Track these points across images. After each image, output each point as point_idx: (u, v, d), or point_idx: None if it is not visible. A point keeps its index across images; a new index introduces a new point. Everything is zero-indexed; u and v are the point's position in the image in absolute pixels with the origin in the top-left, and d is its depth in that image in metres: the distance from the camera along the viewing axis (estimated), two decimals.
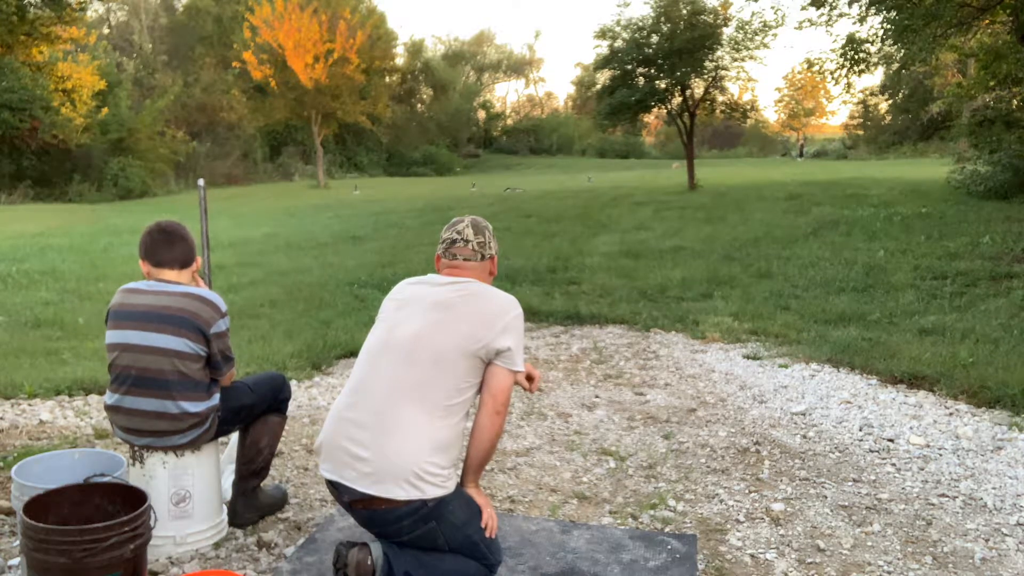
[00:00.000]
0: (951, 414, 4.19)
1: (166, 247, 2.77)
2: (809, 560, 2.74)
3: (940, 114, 32.09)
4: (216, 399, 2.77)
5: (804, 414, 4.26)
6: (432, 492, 2.26)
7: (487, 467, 3.52)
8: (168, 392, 2.64)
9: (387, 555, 2.29)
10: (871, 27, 19.70)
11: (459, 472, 2.43)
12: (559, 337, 6.11)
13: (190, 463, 2.74)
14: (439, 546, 2.33)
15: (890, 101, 45.48)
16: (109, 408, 2.74)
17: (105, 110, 29.31)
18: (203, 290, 2.77)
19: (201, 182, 3.35)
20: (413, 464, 2.25)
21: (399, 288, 2.59)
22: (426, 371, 2.32)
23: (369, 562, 2.28)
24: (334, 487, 2.37)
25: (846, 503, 3.18)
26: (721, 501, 3.21)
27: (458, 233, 2.54)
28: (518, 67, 62.98)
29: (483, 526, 2.38)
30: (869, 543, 2.86)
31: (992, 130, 13.78)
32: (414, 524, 2.28)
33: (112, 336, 2.71)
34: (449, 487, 2.32)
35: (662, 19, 19.11)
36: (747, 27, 19.07)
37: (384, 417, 2.30)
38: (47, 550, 2.13)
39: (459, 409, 2.36)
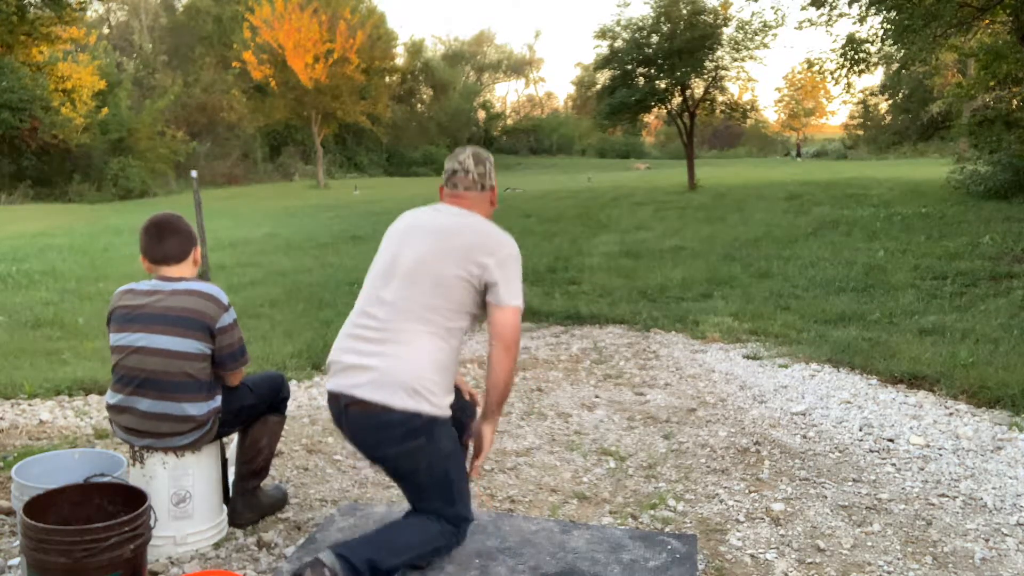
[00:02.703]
0: (951, 414, 4.19)
1: (159, 242, 2.75)
2: (809, 560, 2.74)
3: (940, 114, 32.11)
4: (218, 400, 2.76)
5: (804, 414, 4.26)
6: (428, 409, 2.32)
7: (487, 467, 3.53)
8: (173, 395, 2.64)
9: (342, 556, 2.23)
10: (871, 27, 19.70)
11: (451, 399, 2.45)
12: (559, 337, 6.11)
13: (190, 463, 2.74)
14: (418, 472, 2.37)
15: (890, 101, 45.47)
16: (112, 408, 2.74)
17: (105, 110, 29.29)
18: (203, 284, 2.74)
19: (194, 174, 3.32)
20: (414, 377, 2.31)
21: (401, 218, 2.65)
22: (428, 293, 2.40)
23: (327, 572, 2.19)
24: (334, 398, 2.41)
25: (846, 503, 3.18)
26: (721, 501, 3.21)
27: (459, 163, 2.61)
28: (518, 67, 62.99)
29: (466, 471, 2.46)
30: (869, 543, 2.86)
31: (992, 130, 13.78)
32: (405, 435, 2.31)
33: (118, 339, 2.70)
34: (443, 411, 2.37)
35: (662, 19, 19.12)
36: (747, 27, 19.08)
37: (389, 333, 2.38)
38: (47, 550, 2.13)
39: (457, 334, 2.43)
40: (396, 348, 2.35)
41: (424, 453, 2.35)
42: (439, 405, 2.36)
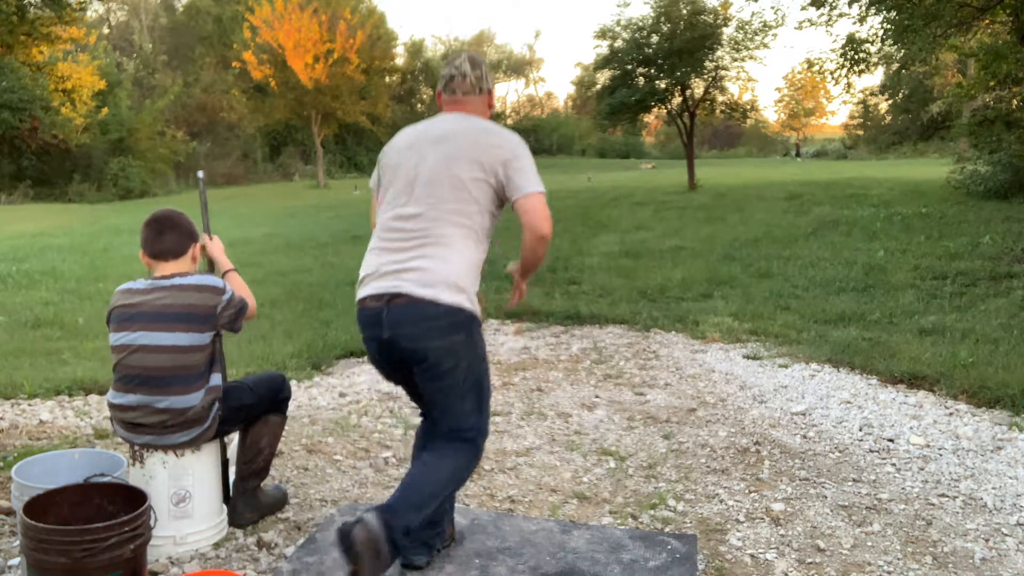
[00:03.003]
0: (951, 414, 4.19)
1: (157, 238, 2.77)
2: (809, 560, 2.74)
3: (940, 114, 32.11)
4: (216, 379, 2.76)
5: (804, 414, 4.26)
6: (468, 306, 2.40)
7: (487, 467, 3.54)
8: (176, 388, 2.65)
9: (382, 516, 2.25)
10: (871, 27, 19.69)
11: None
12: (559, 337, 6.11)
13: (190, 463, 2.74)
14: (457, 369, 2.40)
15: (890, 101, 45.51)
16: (115, 407, 2.74)
17: (105, 110, 29.27)
18: (198, 277, 2.76)
19: (200, 175, 3.34)
20: (457, 275, 2.38)
21: (401, 135, 2.64)
22: (450, 199, 2.42)
23: (372, 532, 2.21)
24: (374, 298, 2.41)
25: (846, 503, 3.18)
26: (721, 501, 3.21)
27: (456, 68, 2.62)
28: (518, 67, 63.00)
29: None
30: (869, 543, 2.86)
31: (992, 130, 13.78)
32: (450, 328, 2.36)
33: (118, 338, 2.70)
34: (478, 312, 2.45)
35: (662, 19, 19.13)
36: (747, 27, 19.10)
37: (426, 239, 2.41)
38: (47, 550, 2.13)
39: (484, 236, 2.49)
40: (436, 251, 2.39)
41: (464, 349, 2.40)
42: (476, 306, 2.44)
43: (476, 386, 2.46)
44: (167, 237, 2.77)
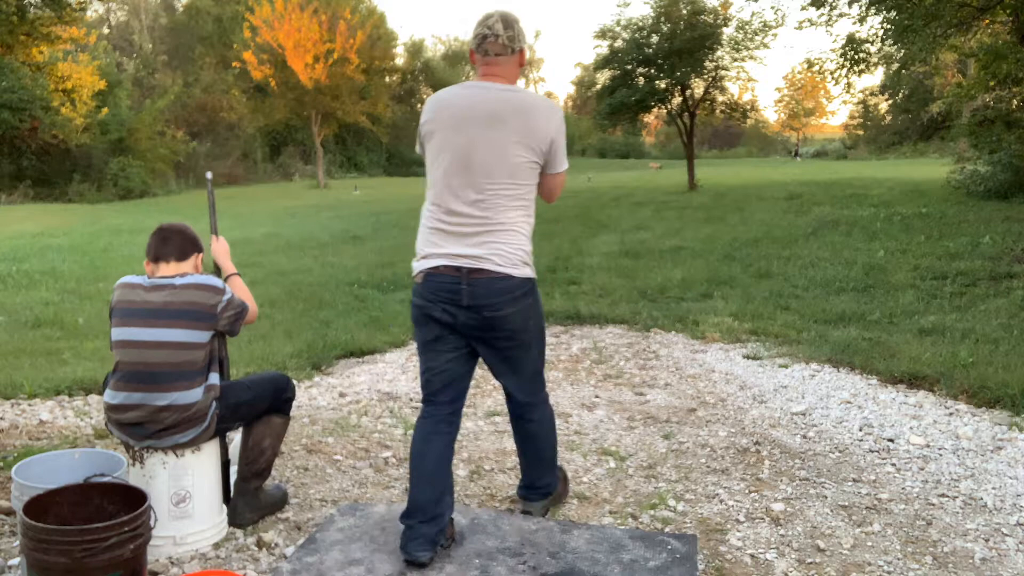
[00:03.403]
0: (951, 414, 4.19)
1: (161, 243, 2.85)
2: (809, 560, 2.74)
3: (940, 114, 32.08)
4: (214, 379, 2.78)
5: (804, 414, 4.26)
6: (531, 274, 2.75)
7: (487, 467, 3.54)
8: (176, 384, 2.67)
9: (532, 496, 3.04)
10: (871, 27, 19.73)
11: None
12: (559, 337, 6.11)
13: (190, 463, 2.74)
14: (528, 328, 2.75)
15: (890, 101, 45.48)
16: (114, 407, 2.73)
17: (105, 110, 29.25)
18: (199, 276, 2.80)
19: (209, 175, 3.38)
20: (523, 252, 2.71)
21: (444, 106, 2.71)
22: (508, 184, 2.64)
23: (538, 511, 2.98)
24: (451, 269, 2.62)
25: (846, 503, 3.18)
26: (721, 501, 3.21)
27: (489, 28, 2.69)
28: None
29: None
30: (869, 543, 2.86)
31: (992, 130, 13.78)
32: (522, 295, 2.69)
33: (119, 333, 2.73)
34: (535, 276, 2.79)
35: (662, 19, 19.14)
36: (747, 27, 19.11)
37: (491, 226, 2.64)
38: (47, 550, 2.13)
39: (533, 204, 2.77)
40: (502, 235, 2.64)
41: (532, 310, 2.75)
42: (534, 272, 2.78)
43: (540, 338, 2.86)
44: (171, 241, 2.85)
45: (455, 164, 2.63)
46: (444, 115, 2.68)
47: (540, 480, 3.02)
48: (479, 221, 2.62)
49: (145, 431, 2.69)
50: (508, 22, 2.69)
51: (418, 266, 2.70)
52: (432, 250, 2.66)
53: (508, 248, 2.64)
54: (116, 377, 2.73)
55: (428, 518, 2.60)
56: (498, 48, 2.68)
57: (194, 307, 2.70)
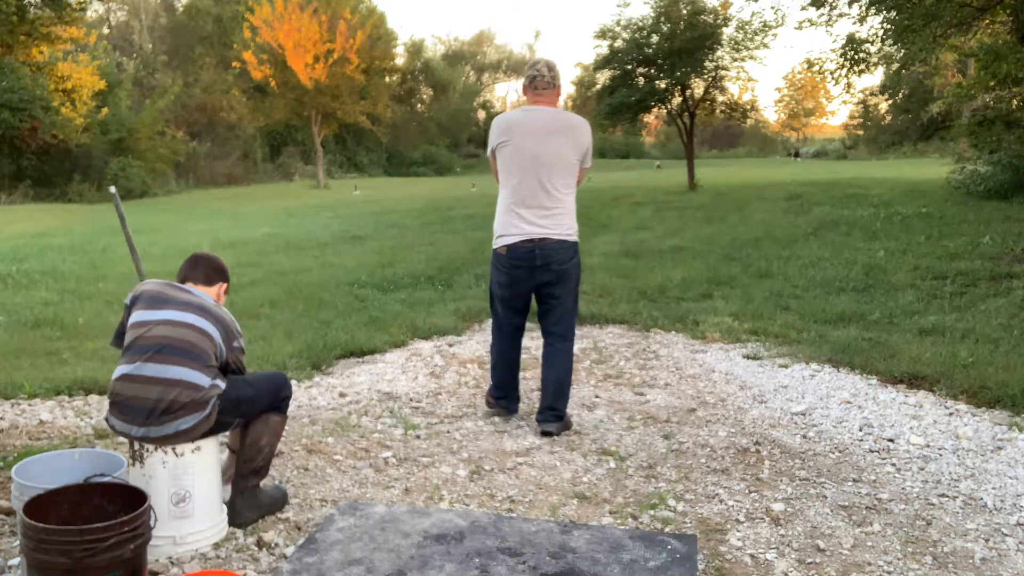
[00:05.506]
0: (951, 414, 4.19)
1: (191, 267, 3.07)
2: (809, 560, 2.74)
3: (940, 114, 32.07)
4: (221, 384, 2.84)
5: (804, 414, 4.26)
6: (577, 239, 3.97)
7: (487, 467, 3.54)
8: (190, 361, 2.74)
9: (554, 418, 4.00)
10: (871, 27, 19.69)
11: None
12: None
13: (190, 463, 2.74)
14: (573, 279, 3.96)
15: (890, 101, 45.48)
16: (123, 378, 2.73)
17: (105, 110, 29.23)
18: (225, 310, 2.99)
19: (112, 189, 3.73)
20: (573, 222, 3.94)
21: (514, 124, 3.91)
22: (565, 176, 3.89)
23: (558, 429, 3.99)
24: (526, 241, 3.83)
25: (846, 503, 3.18)
26: (721, 501, 3.21)
27: (538, 71, 3.95)
28: (518, 67, 62.88)
29: None
30: (869, 543, 2.86)
31: (992, 130, 13.77)
32: (570, 257, 3.91)
33: (145, 315, 2.83)
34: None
35: (662, 19, 19.14)
36: (747, 27, 19.11)
37: (557, 209, 3.86)
38: (47, 550, 2.13)
39: (575, 191, 3.96)
40: (563, 217, 3.88)
41: (577, 267, 3.99)
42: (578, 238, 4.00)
43: (578, 283, 4.03)
44: (200, 266, 3.08)
45: (529, 162, 3.82)
46: (517, 130, 3.86)
47: (557, 402, 3.94)
48: (550, 207, 3.83)
49: (146, 411, 2.67)
50: (550, 66, 3.97)
51: (500, 241, 3.91)
52: (507, 230, 3.87)
53: (565, 222, 3.87)
54: (133, 349, 2.77)
55: (515, 394, 4.20)
56: (544, 84, 3.94)
57: (215, 312, 2.88)
